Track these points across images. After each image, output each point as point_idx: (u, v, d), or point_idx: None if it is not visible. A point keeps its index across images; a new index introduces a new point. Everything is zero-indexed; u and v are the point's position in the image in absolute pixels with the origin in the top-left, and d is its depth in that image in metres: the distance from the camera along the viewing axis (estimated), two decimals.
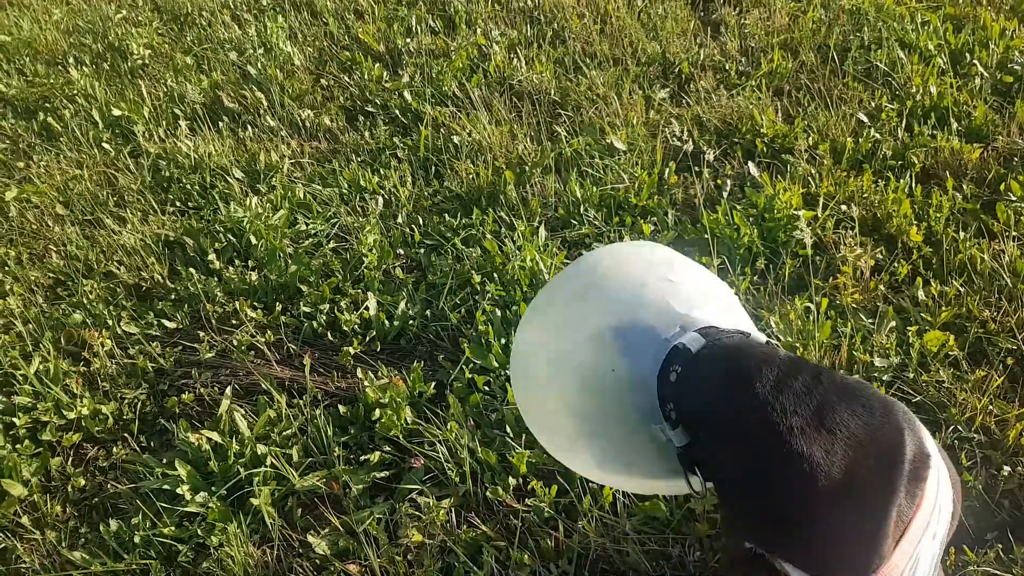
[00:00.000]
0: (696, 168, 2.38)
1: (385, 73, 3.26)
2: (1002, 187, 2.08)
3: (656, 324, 0.96)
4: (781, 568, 0.96)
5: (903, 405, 0.93)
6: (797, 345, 1.63)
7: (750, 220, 2.05)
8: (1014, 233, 1.88)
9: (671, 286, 1.00)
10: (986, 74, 2.66)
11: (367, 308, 2.05)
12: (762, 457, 0.89)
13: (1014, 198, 2.02)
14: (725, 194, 2.24)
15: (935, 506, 0.91)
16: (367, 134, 2.88)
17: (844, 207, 2.06)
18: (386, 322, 2.01)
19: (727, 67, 2.90)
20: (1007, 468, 1.37)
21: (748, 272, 1.93)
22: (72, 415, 1.87)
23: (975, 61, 2.70)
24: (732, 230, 2.00)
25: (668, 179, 2.36)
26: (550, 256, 2.07)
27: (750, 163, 2.34)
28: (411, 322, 2.00)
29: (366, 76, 3.24)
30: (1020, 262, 1.78)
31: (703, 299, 1.01)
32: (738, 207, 2.13)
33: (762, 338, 1.01)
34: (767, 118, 2.50)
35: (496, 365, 1.79)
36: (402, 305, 2.03)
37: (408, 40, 3.52)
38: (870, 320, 1.70)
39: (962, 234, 1.89)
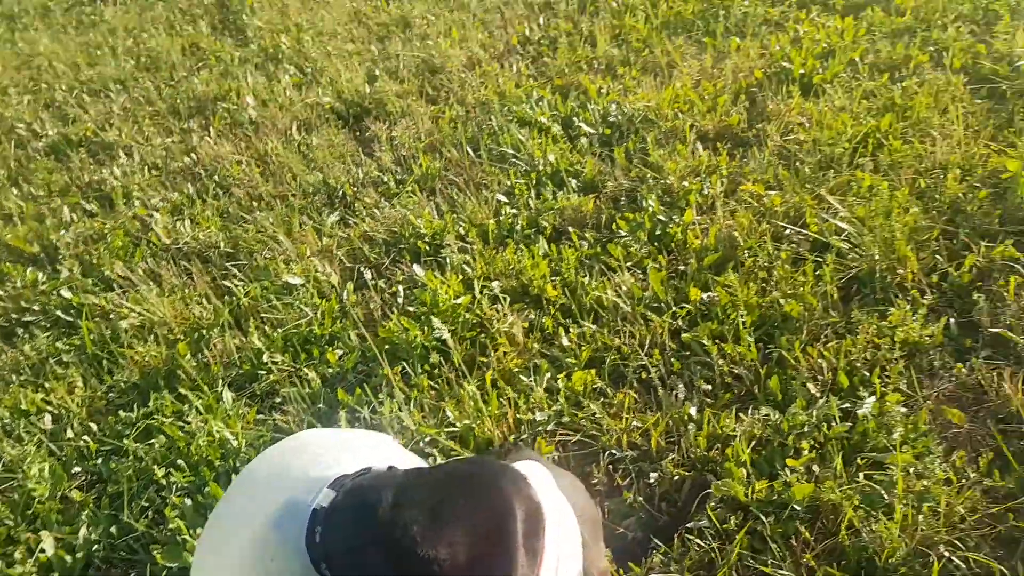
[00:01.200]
0: (373, 282, 2.49)
1: (41, 274, 2.99)
2: (613, 227, 2.45)
3: (302, 497, 0.99)
4: None
5: (513, 468, 1.03)
6: (473, 425, 1.75)
7: (422, 319, 2.18)
8: (626, 264, 2.22)
9: (314, 456, 1.04)
10: (591, 131, 3.16)
11: (43, 551, 1.80)
12: (402, 574, 0.93)
13: (623, 233, 2.39)
14: (400, 300, 2.36)
15: (558, 552, 1.01)
16: (27, 347, 2.59)
17: (496, 283, 2.28)
18: (67, 558, 1.78)
19: (385, 179, 3.11)
20: (654, 474, 1.57)
21: (427, 368, 2.03)
22: None
23: (581, 123, 3.20)
24: (405, 335, 2.11)
25: (348, 300, 2.43)
26: (238, 419, 2.00)
27: (416, 265, 2.50)
28: (95, 547, 1.79)
29: (19, 284, 2.94)
30: (634, 286, 2.10)
31: (345, 451, 1.06)
32: (411, 309, 2.25)
33: (384, 466, 1.08)
34: (424, 219, 2.71)
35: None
36: (83, 531, 1.82)
37: (63, 232, 3.28)
38: (531, 379, 1.87)
39: (587, 278, 2.19)
